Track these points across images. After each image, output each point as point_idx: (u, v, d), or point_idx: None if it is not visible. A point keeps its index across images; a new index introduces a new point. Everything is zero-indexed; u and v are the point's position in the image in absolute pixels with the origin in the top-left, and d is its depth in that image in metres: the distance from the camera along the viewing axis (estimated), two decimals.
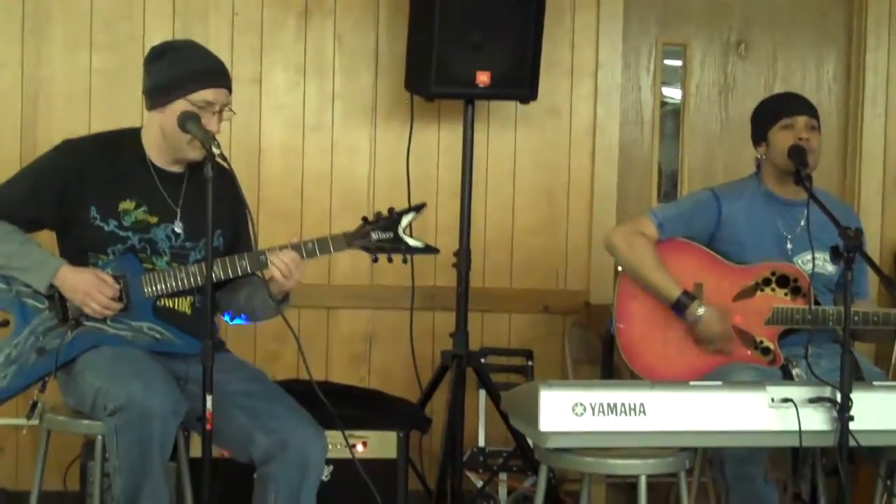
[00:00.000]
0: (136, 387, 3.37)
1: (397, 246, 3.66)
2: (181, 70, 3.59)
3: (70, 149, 3.75)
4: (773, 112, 4.20)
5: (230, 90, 3.67)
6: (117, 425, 3.37)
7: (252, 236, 3.69)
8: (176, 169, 3.73)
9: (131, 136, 3.76)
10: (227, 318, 3.86)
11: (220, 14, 4.92)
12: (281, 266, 3.56)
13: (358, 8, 5.00)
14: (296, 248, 3.61)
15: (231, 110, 3.67)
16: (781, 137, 4.14)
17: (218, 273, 3.56)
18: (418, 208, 3.71)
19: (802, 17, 5.40)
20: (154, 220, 3.68)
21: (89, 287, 3.57)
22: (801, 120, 4.13)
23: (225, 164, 3.44)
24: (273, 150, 4.99)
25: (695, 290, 4.08)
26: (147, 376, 3.42)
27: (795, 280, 4.08)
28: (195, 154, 3.64)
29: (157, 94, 3.64)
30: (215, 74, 3.64)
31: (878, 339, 4.57)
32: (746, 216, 4.16)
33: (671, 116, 5.43)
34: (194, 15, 4.90)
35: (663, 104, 5.38)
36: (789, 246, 4.14)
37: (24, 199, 3.67)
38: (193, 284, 3.63)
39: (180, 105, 3.57)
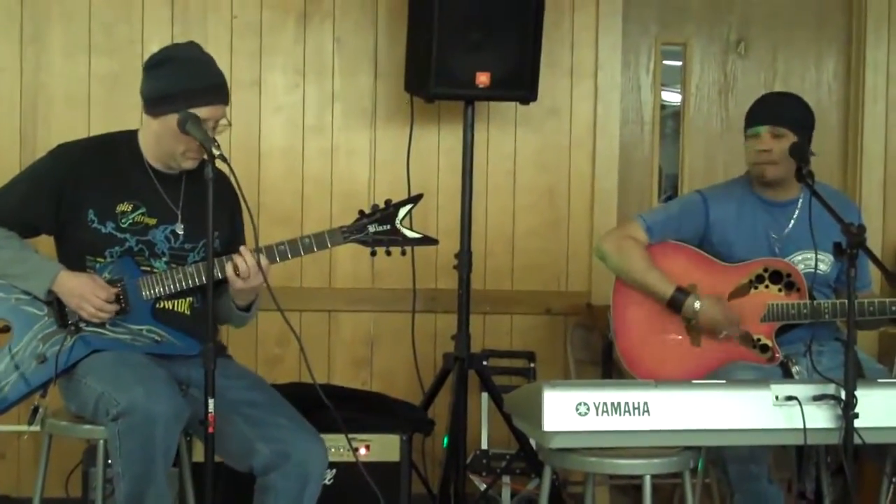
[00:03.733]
0: (139, 392, 3.35)
1: (395, 238, 3.62)
2: (177, 85, 3.55)
3: (65, 152, 3.73)
4: (746, 119, 4.19)
5: (227, 103, 3.64)
6: (120, 430, 3.35)
7: (254, 239, 3.61)
8: (173, 170, 3.71)
9: (128, 138, 3.74)
10: None
11: (218, 17, 4.90)
12: (241, 266, 3.50)
13: (357, 10, 4.98)
14: (269, 250, 3.56)
15: (227, 122, 3.63)
16: (748, 147, 4.14)
17: (216, 274, 3.51)
18: (415, 199, 3.67)
19: (802, 15, 5.39)
20: (153, 221, 3.67)
21: (84, 290, 3.56)
22: (762, 130, 4.09)
23: (226, 166, 3.42)
24: (273, 152, 4.97)
25: (689, 289, 4.06)
26: (149, 381, 3.40)
27: (788, 275, 4.06)
28: (188, 164, 3.64)
29: (152, 104, 3.62)
30: (211, 92, 3.59)
31: (879, 326, 4.49)
32: (736, 218, 4.14)
33: (671, 116, 5.41)
34: (193, 18, 4.88)
35: (663, 106, 5.37)
36: (777, 248, 4.11)
37: (20, 204, 3.67)
38: (191, 285, 3.61)
39: (174, 118, 3.51)
